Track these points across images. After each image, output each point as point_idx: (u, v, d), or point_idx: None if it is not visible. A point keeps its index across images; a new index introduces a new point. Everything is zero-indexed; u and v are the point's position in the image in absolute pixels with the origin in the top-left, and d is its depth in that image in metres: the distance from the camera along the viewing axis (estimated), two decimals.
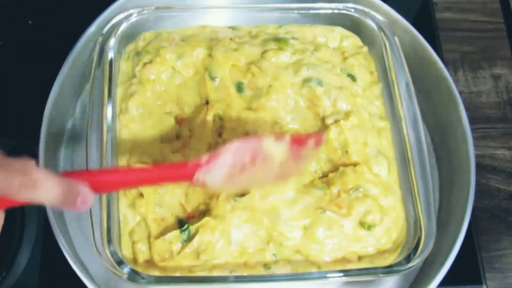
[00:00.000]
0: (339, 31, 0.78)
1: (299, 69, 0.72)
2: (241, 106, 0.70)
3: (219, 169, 0.56)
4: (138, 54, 0.75)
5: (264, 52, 0.74)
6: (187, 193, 0.67)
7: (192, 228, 0.64)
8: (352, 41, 0.78)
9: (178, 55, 0.73)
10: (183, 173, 0.56)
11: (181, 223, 0.65)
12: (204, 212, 0.66)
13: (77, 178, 0.50)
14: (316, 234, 0.64)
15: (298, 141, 0.61)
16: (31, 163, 0.46)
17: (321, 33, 0.77)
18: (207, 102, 0.71)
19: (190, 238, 0.63)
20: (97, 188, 0.51)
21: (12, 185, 0.44)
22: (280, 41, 0.75)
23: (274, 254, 0.64)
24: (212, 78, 0.72)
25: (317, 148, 0.63)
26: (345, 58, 0.75)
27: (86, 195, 0.49)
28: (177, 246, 0.63)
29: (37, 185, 0.45)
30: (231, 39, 0.76)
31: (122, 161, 0.68)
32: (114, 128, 0.69)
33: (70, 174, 0.50)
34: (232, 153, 0.56)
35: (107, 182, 0.53)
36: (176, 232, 0.64)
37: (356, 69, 0.74)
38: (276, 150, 0.59)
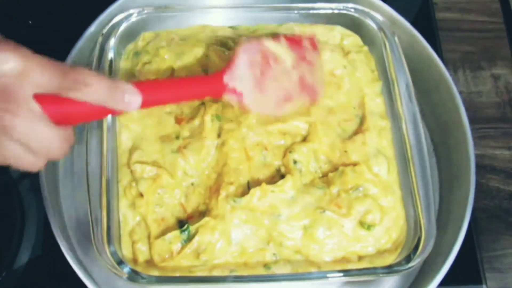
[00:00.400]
0: (340, 30, 0.78)
1: None
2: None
3: (241, 70, 0.61)
4: (137, 54, 0.75)
5: None
6: (187, 193, 0.67)
7: (192, 228, 0.64)
8: (352, 40, 0.78)
9: (177, 54, 0.73)
10: (211, 84, 0.60)
11: (181, 223, 0.65)
12: (204, 212, 0.66)
13: None
14: (316, 234, 0.64)
15: (294, 40, 0.66)
16: (79, 66, 0.48)
17: (321, 31, 0.77)
18: (203, 103, 0.71)
19: (190, 238, 0.63)
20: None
21: (67, 79, 0.46)
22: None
23: (274, 254, 0.64)
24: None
25: (317, 51, 0.68)
26: (346, 53, 0.75)
27: (133, 93, 0.50)
28: (177, 246, 0.63)
29: (87, 80, 0.47)
30: (230, 38, 0.76)
31: (122, 161, 0.68)
32: (114, 128, 0.69)
33: None
34: (243, 53, 0.61)
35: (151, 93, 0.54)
36: (176, 232, 0.64)
37: (357, 63, 0.74)
38: (279, 48, 0.64)
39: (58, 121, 0.48)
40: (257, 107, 0.63)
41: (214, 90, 0.61)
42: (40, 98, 0.46)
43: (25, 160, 0.47)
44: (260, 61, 0.62)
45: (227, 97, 0.61)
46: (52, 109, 0.47)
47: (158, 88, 0.55)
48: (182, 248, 0.63)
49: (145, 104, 0.52)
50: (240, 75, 0.61)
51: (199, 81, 0.62)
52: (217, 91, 0.61)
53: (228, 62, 0.61)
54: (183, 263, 0.63)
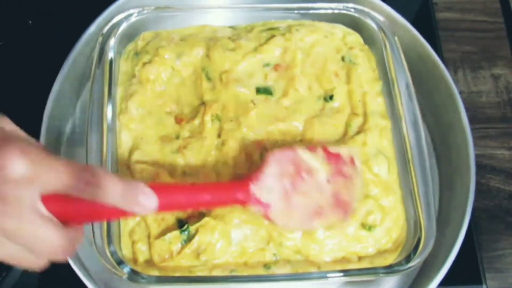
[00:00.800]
0: (341, 28, 0.78)
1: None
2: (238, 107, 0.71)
3: (270, 180, 0.57)
4: (137, 54, 0.75)
5: (259, 45, 0.74)
6: None
7: (192, 228, 0.64)
8: (354, 38, 0.78)
9: (177, 54, 0.73)
10: (236, 193, 0.56)
11: (181, 223, 0.65)
12: (204, 212, 0.66)
13: None
14: (316, 234, 0.64)
15: (333, 154, 0.62)
16: (92, 165, 0.46)
17: (323, 28, 0.77)
18: (203, 102, 0.71)
19: (189, 239, 0.63)
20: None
21: (79, 181, 0.43)
22: (275, 30, 0.76)
23: (274, 254, 0.64)
24: (209, 79, 0.72)
25: (355, 167, 0.63)
26: (349, 48, 0.76)
27: (149, 195, 0.48)
28: (177, 246, 0.63)
29: (101, 182, 0.44)
30: (229, 38, 0.76)
31: (122, 161, 0.68)
32: (114, 128, 0.69)
33: None
34: (274, 162, 0.59)
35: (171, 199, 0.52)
36: (176, 233, 0.64)
37: (359, 60, 0.75)
38: (314, 160, 0.60)
39: (67, 220, 0.45)
40: (283, 220, 0.59)
41: (239, 200, 0.57)
42: (47, 198, 0.43)
43: (27, 260, 0.44)
44: (292, 172, 0.59)
45: (252, 207, 0.57)
46: (60, 209, 0.44)
47: (177, 193, 0.53)
48: (182, 248, 0.63)
49: (162, 208, 0.49)
50: (268, 186, 0.58)
51: (223, 189, 0.58)
52: (241, 201, 0.57)
53: (256, 170, 0.58)
54: (183, 263, 0.63)
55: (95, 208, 0.46)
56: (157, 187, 0.49)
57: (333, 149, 0.63)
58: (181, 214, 0.66)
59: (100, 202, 0.45)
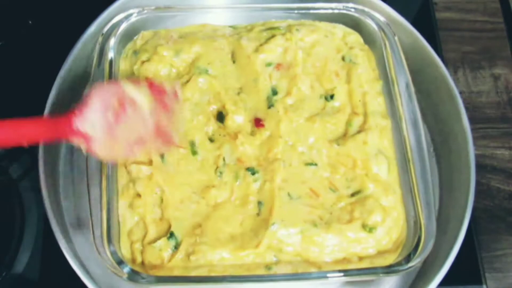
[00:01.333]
0: (342, 27, 0.78)
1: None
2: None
3: (93, 114, 0.58)
4: (136, 52, 0.75)
5: (260, 45, 0.74)
6: None
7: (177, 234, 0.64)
8: (354, 37, 0.78)
9: (176, 51, 0.73)
10: (59, 126, 0.57)
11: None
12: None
13: None
14: (315, 237, 0.64)
15: (156, 87, 0.63)
16: None
17: (324, 28, 0.78)
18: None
19: (177, 245, 0.64)
20: None
21: None
22: (275, 29, 0.76)
23: (275, 255, 0.64)
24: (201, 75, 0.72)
25: (178, 99, 0.65)
26: (350, 48, 0.76)
27: None
28: (167, 253, 0.63)
29: None
30: (230, 36, 0.76)
31: (120, 161, 0.68)
32: None
33: None
34: (97, 96, 0.59)
35: None
36: (165, 239, 0.64)
37: (359, 60, 0.75)
38: (137, 94, 0.61)
39: None
40: (106, 151, 0.60)
41: (61, 133, 0.58)
42: None
43: None
44: (116, 105, 0.60)
45: (76, 140, 0.58)
46: None
47: None
48: (172, 255, 0.63)
49: None
50: (92, 120, 0.58)
51: (45, 123, 0.59)
52: (64, 134, 0.58)
53: (80, 104, 0.58)
54: (175, 272, 0.63)
55: None
56: None
57: (156, 82, 0.64)
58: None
59: None
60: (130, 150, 0.62)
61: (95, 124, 0.58)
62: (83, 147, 0.58)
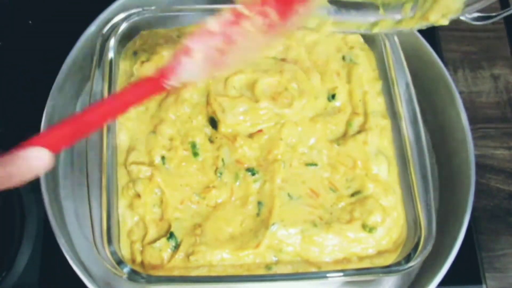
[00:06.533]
0: None
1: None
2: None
3: (189, 69, 0.52)
4: (135, 52, 0.75)
5: None
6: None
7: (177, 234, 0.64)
8: (354, 38, 0.78)
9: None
10: (153, 86, 0.52)
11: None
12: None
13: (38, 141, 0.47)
14: (315, 237, 0.64)
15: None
16: None
17: None
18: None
19: (177, 246, 0.64)
20: (76, 134, 0.49)
21: None
22: None
23: (275, 255, 0.64)
24: None
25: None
26: (350, 48, 0.76)
27: (38, 157, 0.46)
28: (167, 253, 0.63)
29: None
30: None
31: (120, 161, 0.68)
32: (114, 129, 0.69)
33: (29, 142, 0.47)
34: (193, 49, 0.51)
35: (77, 128, 0.50)
36: (164, 239, 0.64)
37: (360, 59, 0.75)
38: (252, 23, 0.52)
39: None
40: (211, 75, 0.56)
41: (151, 95, 0.54)
42: None
43: None
44: (219, 46, 0.52)
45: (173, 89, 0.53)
46: None
47: (69, 126, 0.50)
48: (172, 256, 0.63)
49: (57, 148, 0.48)
50: (188, 73, 0.52)
51: (138, 92, 0.53)
52: (157, 91, 0.54)
53: (171, 63, 0.52)
54: (175, 272, 0.63)
55: None
56: (44, 136, 0.48)
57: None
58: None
59: None
60: (239, 60, 0.56)
61: (194, 73, 0.52)
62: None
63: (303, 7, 0.54)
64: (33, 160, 0.46)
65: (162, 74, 0.52)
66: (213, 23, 0.52)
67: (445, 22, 0.59)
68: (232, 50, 0.53)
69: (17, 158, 0.46)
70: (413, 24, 0.62)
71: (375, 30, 0.60)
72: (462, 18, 0.61)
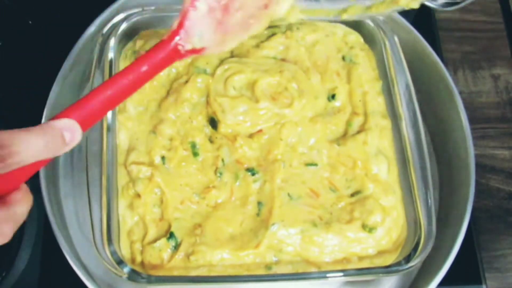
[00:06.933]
0: (342, 27, 0.78)
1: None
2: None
3: (198, 24, 0.51)
4: (135, 52, 0.75)
5: (261, 42, 0.75)
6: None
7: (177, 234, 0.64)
8: (354, 38, 0.78)
9: None
10: (166, 52, 0.50)
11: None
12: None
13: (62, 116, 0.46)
14: (315, 237, 0.64)
15: None
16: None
17: (324, 27, 0.77)
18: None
19: (177, 246, 0.64)
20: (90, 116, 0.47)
21: None
22: (275, 28, 0.76)
23: (275, 255, 0.65)
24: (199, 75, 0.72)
25: None
26: (350, 48, 0.76)
27: (69, 126, 0.45)
28: (167, 253, 0.63)
29: (14, 150, 0.40)
30: None
31: (120, 161, 0.68)
32: (114, 128, 0.69)
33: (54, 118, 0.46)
34: (195, 5, 0.51)
35: (96, 106, 0.47)
36: (164, 239, 0.64)
37: (360, 59, 0.75)
38: None
39: None
40: (220, 47, 0.54)
41: (167, 62, 0.51)
42: None
43: None
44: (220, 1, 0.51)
45: (187, 57, 0.52)
46: None
47: (97, 97, 0.48)
48: (172, 256, 0.63)
49: (88, 123, 0.46)
50: (199, 30, 0.51)
51: (150, 58, 0.51)
52: (170, 61, 0.51)
53: (179, 20, 0.50)
54: (175, 272, 0.63)
55: (15, 175, 0.42)
56: (74, 108, 0.46)
57: None
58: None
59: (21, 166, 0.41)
60: (249, 27, 0.55)
61: (204, 32, 0.51)
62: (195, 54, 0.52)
63: None
64: (67, 132, 0.44)
65: (173, 32, 0.50)
66: None
67: (415, 5, 0.59)
68: (235, 9, 0.52)
69: (51, 129, 0.44)
70: (384, 9, 0.62)
71: (344, 17, 0.60)
72: (427, 3, 0.61)
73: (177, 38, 0.50)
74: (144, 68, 0.50)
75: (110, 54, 0.72)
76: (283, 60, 0.74)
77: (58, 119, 0.45)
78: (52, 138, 0.43)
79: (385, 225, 0.66)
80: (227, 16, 0.52)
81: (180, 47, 0.50)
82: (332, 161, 0.69)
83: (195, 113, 0.71)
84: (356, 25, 0.78)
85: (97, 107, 0.47)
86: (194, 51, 0.51)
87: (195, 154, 0.69)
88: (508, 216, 0.81)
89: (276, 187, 0.66)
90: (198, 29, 0.51)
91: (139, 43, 0.76)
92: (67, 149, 0.45)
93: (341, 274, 0.62)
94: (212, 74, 0.72)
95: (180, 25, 0.50)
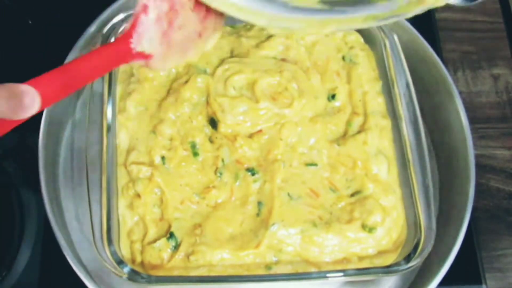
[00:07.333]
0: None
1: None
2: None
3: (148, 29, 0.54)
4: None
5: (261, 42, 0.74)
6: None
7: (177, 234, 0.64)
8: (355, 37, 0.78)
9: None
10: (117, 51, 0.53)
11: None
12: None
13: None
14: (315, 237, 0.64)
15: None
16: None
17: None
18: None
19: (177, 246, 0.64)
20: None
21: None
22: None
23: (275, 255, 0.65)
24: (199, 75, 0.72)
25: None
26: (350, 48, 0.76)
27: (30, 92, 0.44)
28: (167, 253, 0.63)
29: None
30: (229, 35, 0.76)
31: (120, 161, 0.68)
32: (114, 128, 0.69)
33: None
34: (147, 6, 0.54)
35: (52, 86, 0.48)
36: (164, 240, 0.64)
37: (360, 59, 0.75)
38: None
39: None
40: (165, 63, 0.57)
41: (121, 60, 0.54)
42: None
43: None
44: (167, 9, 0.55)
45: (135, 62, 0.55)
46: None
47: (57, 76, 0.48)
48: (172, 256, 0.63)
49: (48, 100, 0.46)
50: (148, 35, 0.54)
51: (103, 54, 0.53)
52: (124, 60, 0.54)
53: (133, 22, 0.53)
54: (175, 272, 0.63)
55: None
56: (35, 81, 0.46)
57: None
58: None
59: None
60: (186, 51, 0.58)
61: (152, 39, 0.54)
62: (142, 64, 0.55)
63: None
64: (24, 97, 0.44)
65: (128, 32, 0.53)
66: None
67: (441, 3, 0.59)
68: (179, 24, 0.56)
69: (5, 90, 0.43)
70: (410, 10, 0.62)
71: (372, 23, 0.60)
72: (451, 2, 0.61)
73: (130, 39, 0.53)
74: (100, 59, 0.52)
75: None
76: (283, 60, 0.74)
77: (19, 84, 0.45)
78: (15, 99, 0.44)
79: (385, 225, 0.66)
80: (171, 29, 0.56)
81: (132, 46, 0.53)
82: (332, 161, 0.69)
83: (195, 113, 0.71)
84: None
85: (52, 88, 0.48)
86: (143, 55, 0.54)
87: (195, 154, 0.69)
88: (508, 216, 0.81)
89: (276, 187, 0.66)
90: (148, 34, 0.54)
91: None
92: (26, 115, 0.45)
93: (341, 274, 0.62)
94: (212, 74, 0.72)
95: (133, 26, 0.53)
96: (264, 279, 0.63)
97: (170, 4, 0.55)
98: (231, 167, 0.68)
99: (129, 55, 0.53)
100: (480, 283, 0.75)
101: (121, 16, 0.74)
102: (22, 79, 0.87)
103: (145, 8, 0.54)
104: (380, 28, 0.75)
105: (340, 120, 0.72)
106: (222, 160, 0.68)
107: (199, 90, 0.72)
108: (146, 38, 0.54)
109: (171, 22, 0.55)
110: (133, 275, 0.60)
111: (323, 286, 0.71)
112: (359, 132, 0.71)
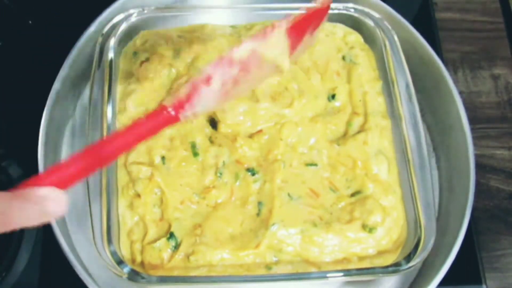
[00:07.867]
0: (342, 27, 0.78)
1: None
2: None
3: (206, 98, 0.49)
4: (135, 52, 0.75)
5: None
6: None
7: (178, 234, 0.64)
8: (355, 37, 0.78)
9: (175, 51, 0.73)
10: (164, 122, 0.49)
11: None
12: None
13: (42, 181, 0.42)
14: (315, 237, 0.64)
15: (298, 25, 0.53)
16: None
17: (324, 27, 0.77)
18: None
19: (177, 246, 0.64)
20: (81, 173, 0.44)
21: None
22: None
23: (275, 255, 0.64)
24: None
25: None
26: (350, 48, 0.75)
27: (56, 198, 0.42)
28: (167, 253, 0.63)
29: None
30: (229, 35, 0.76)
31: (120, 161, 0.68)
32: (114, 128, 0.69)
33: (31, 181, 0.42)
34: (213, 78, 0.49)
35: (88, 164, 0.45)
36: (164, 240, 0.64)
37: (360, 59, 0.75)
38: (272, 49, 0.51)
39: None
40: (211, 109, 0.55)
41: (165, 126, 0.50)
42: None
43: None
44: (235, 74, 0.50)
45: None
46: None
47: (76, 163, 0.45)
48: (172, 256, 0.63)
49: (67, 186, 0.43)
50: (203, 102, 0.49)
51: (150, 125, 0.49)
52: (168, 125, 0.50)
53: (187, 93, 0.49)
54: (175, 272, 0.63)
55: None
56: (54, 172, 0.43)
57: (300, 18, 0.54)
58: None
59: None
60: (241, 94, 0.55)
61: (208, 103, 0.49)
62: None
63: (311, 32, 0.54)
64: (49, 204, 0.41)
65: (179, 103, 0.49)
66: (239, 51, 0.50)
67: None
68: (245, 79, 0.51)
69: (31, 198, 0.41)
70: None
71: None
72: None
73: (182, 111, 0.49)
74: (141, 132, 0.49)
75: (110, 54, 0.72)
76: None
77: (39, 188, 0.42)
78: (32, 209, 0.41)
79: (385, 225, 0.66)
80: (236, 86, 0.51)
81: (180, 116, 0.49)
82: (332, 161, 0.69)
83: None
84: (356, 25, 0.78)
85: (82, 168, 0.45)
86: (194, 115, 0.50)
87: (195, 154, 0.69)
88: (508, 216, 0.81)
89: (276, 187, 0.66)
90: (205, 101, 0.49)
91: (139, 43, 0.76)
92: (51, 219, 0.42)
93: (341, 274, 0.62)
94: None
95: (189, 99, 0.49)
96: (264, 279, 0.63)
97: (242, 67, 0.50)
98: (231, 167, 0.68)
99: (176, 121, 0.49)
100: (480, 283, 0.75)
101: (121, 16, 0.74)
102: (22, 79, 0.87)
103: (208, 79, 0.49)
104: (380, 28, 0.75)
105: (340, 120, 0.72)
106: (223, 160, 0.68)
107: None
108: (200, 105, 0.49)
109: (238, 82, 0.50)
110: (133, 275, 0.60)
111: (323, 286, 0.71)
112: (359, 132, 0.71)
